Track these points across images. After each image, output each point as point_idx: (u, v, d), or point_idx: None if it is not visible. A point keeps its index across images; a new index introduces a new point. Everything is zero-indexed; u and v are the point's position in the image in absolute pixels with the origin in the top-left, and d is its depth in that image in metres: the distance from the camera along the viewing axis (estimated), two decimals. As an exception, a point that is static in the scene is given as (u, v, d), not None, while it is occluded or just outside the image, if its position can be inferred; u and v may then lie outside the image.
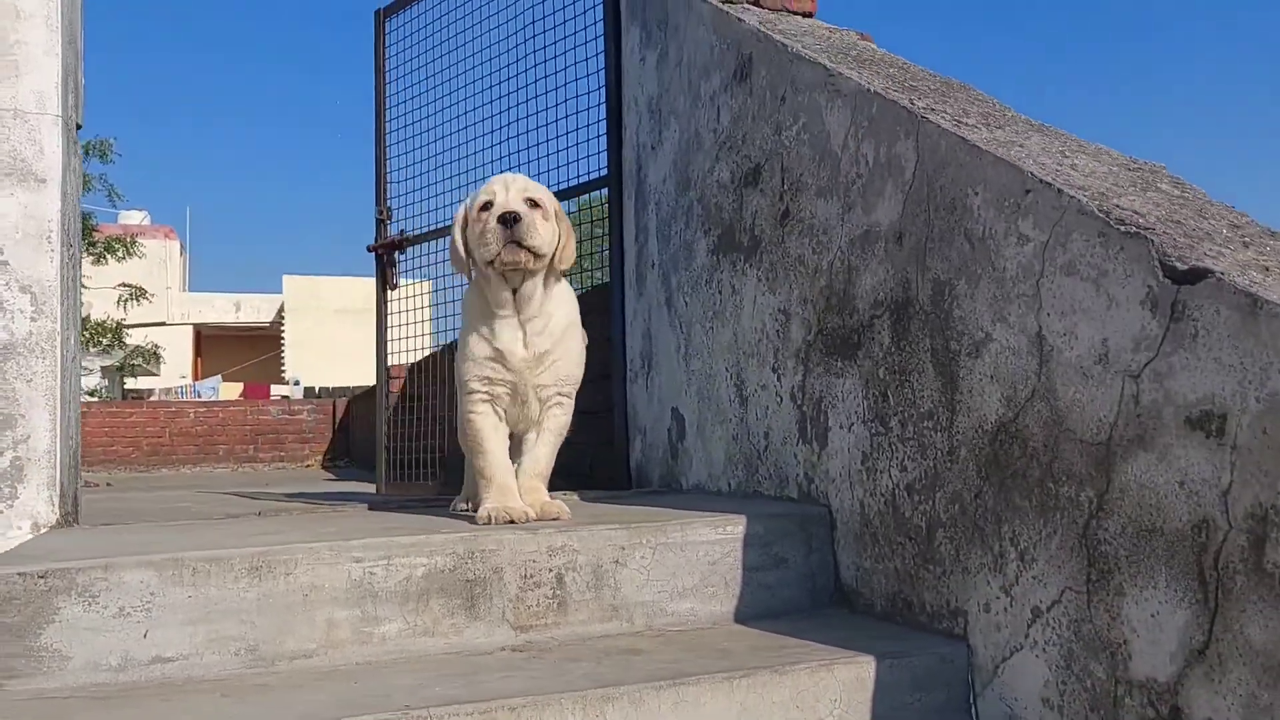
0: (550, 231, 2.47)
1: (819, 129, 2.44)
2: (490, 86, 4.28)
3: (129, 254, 24.03)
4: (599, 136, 3.81)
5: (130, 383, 31.50)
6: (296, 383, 27.61)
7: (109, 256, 24.01)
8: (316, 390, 25.75)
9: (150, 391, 30.40)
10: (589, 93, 3.87)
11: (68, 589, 1.93)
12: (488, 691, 1.79)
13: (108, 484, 11.67)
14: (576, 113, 3.95)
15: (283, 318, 31.56)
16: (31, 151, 2.76)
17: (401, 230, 4.70)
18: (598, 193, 3.85)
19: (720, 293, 2.92)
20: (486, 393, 2.55)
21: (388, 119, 4.86)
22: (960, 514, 1.97)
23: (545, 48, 4.06)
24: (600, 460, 3.84)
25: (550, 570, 2.21)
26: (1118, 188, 1.82)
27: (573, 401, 2.63)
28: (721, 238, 2.92)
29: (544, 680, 1.86)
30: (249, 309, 33.74)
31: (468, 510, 2.70)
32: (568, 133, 3.97)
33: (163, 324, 31.61)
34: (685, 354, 3.16)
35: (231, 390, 27.21)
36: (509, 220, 2.39)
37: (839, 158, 2.36)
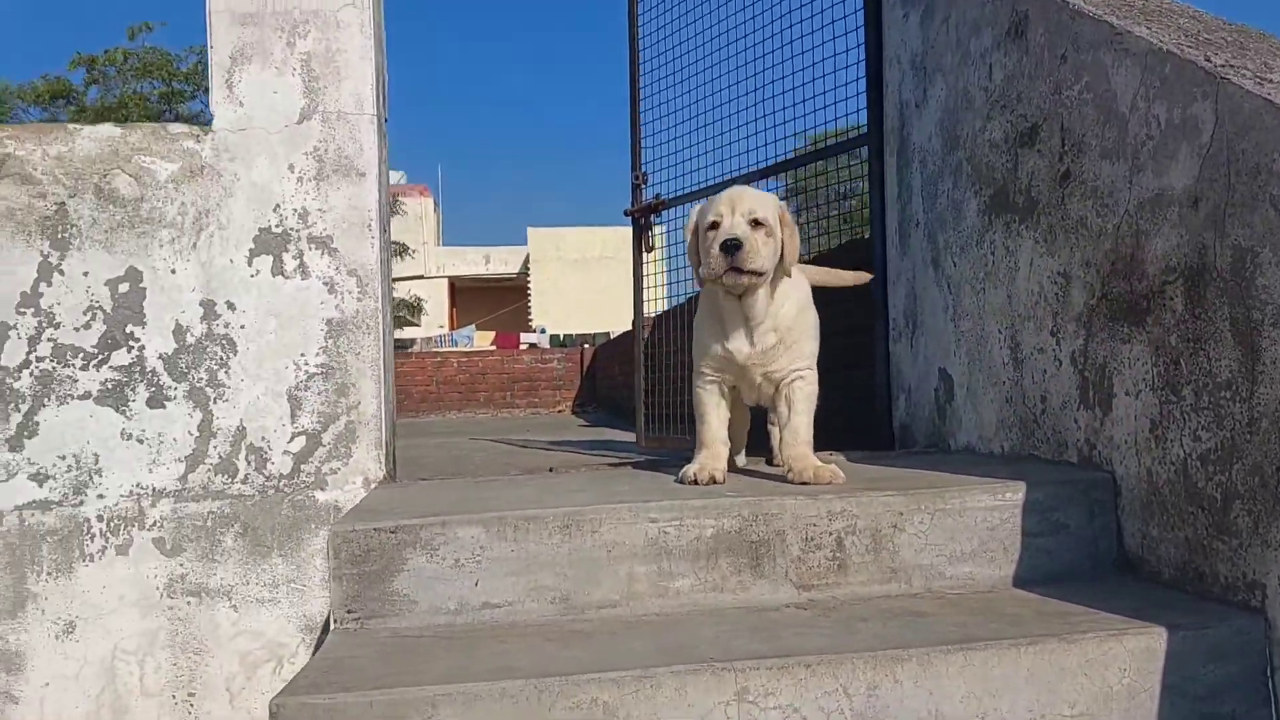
0: (772, 249, 2.56)
1: (1104, 89, 2.39)
2: (746, 48, 4.34)
3: (393, 212, 25.81)
4: (858, 95, 3.81)
5: (397, 333, 33.76)
6: (543, 331, 28.77)
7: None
8: (561, 338, 26.79)
9: (413, 341, 32.50)
10: (846, 51, 3.87)
11: (414, 542, 2.20)
12: (783, 647, 1.91)
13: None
14: (834, 71, 3.96)
15: (528, 268, 32.83)
16: (353, 149, 3.06)
17: (657, 195, 4.86)
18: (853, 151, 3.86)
19: (993, 254, 2.91)
20: (714, 377, 2.75)
21: (641, 83, 5.00)
22: (1260, 486, 1.93)
23: (801, 7, 4.09)
24: (859, 418, 3.89)
25: (830, 533, 2.31)
26: None
27: (813, 370, 2.73)
28: (994, 198, 2.90)
29: (835, 638, 1.97)
30: (497, 261, 35.30)
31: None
32: (824, 92, 4.00)
33: (421, 277, 33.63)
34: (953, 314, 3.16)
35: (484, 339, 28.70)
36: (730, 248, 2.50)
37: (1126, 119, 2.31)
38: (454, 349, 22.59)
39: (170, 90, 23.58)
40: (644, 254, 5.04)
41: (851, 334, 3.91)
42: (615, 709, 1.78)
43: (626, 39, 5.11)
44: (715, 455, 2.71)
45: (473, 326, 31.91)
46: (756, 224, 2.55)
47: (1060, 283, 2.58)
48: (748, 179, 4.30)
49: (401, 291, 29.29)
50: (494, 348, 22.91)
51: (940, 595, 2.29)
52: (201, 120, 3.13)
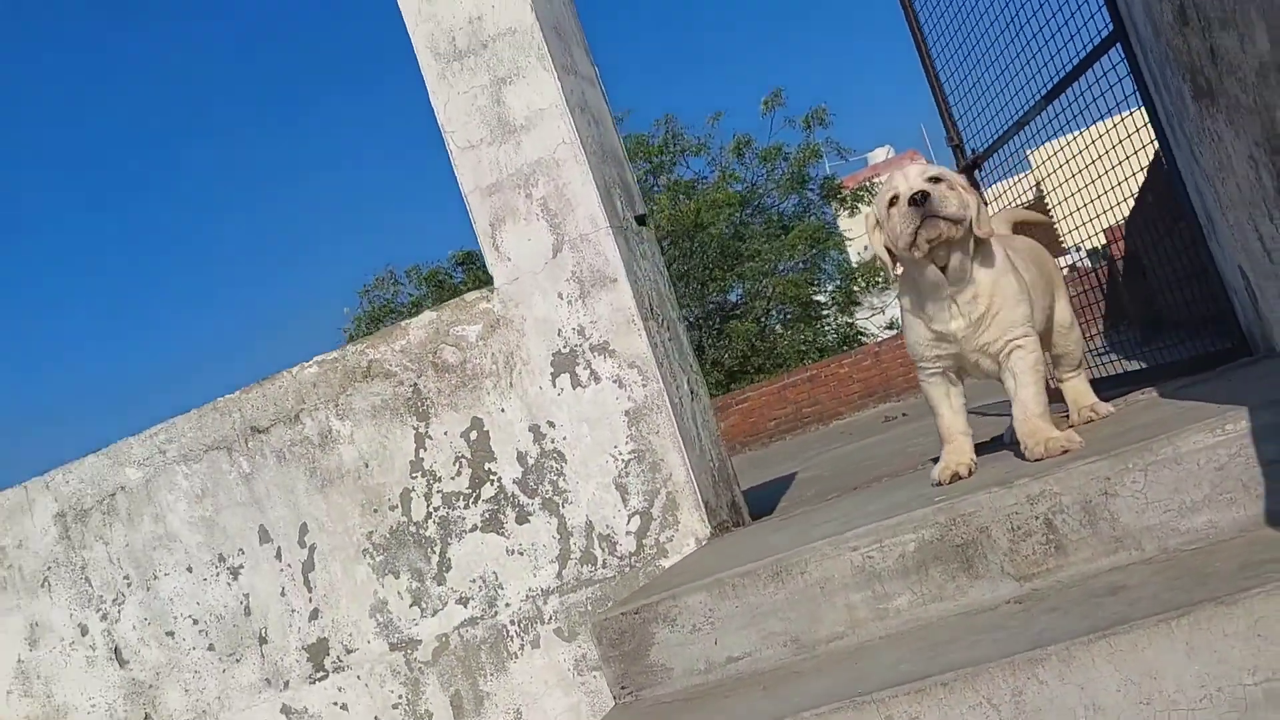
0: (959, 200, 2.49)
1: (1194, -41, 2.11)
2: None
3: (872, 195, 26.00)
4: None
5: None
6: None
7: (858, 205, 26.24)
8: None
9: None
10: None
11: (655, 618, 2.53)
12: (980, 655, 1.92)
13: (903, 414, 12.88)
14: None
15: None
16: (600, 262, 3.49)
17: (974, 150, 4.69)
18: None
19: (1215, 142, 2.59)
20: (934, 366, 2.72)
21: (926, 37, 4.87)
22: None
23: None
24: (1206, 325, 3.50)
25: (1036, 518, 2.24)
26: None
27: (1031, 335, 2.59)
28: (1194, 83, 2.58)
29: (1049, 630, 1.92)
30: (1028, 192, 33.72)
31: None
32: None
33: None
34: (1221, 208, 2.82)
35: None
36: (918, 200, 2.47)
37: (1216, -13, 2.03)
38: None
39: (652, 166, 25.92)
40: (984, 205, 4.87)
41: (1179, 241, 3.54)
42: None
43: (904, 21, 5.02)
44: (958, 449, 2.70)
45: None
46: (935, 180, 2.54)
47: (1253, 166, 2.27)
48: (1034, 113, 4.06)
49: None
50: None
51: (1172, 556, 2.13)
52: (485, 280, 3.73)
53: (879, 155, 38.78)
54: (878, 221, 2.63)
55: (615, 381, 3.46)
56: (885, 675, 2.01)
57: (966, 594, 2.28)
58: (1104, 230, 5.19)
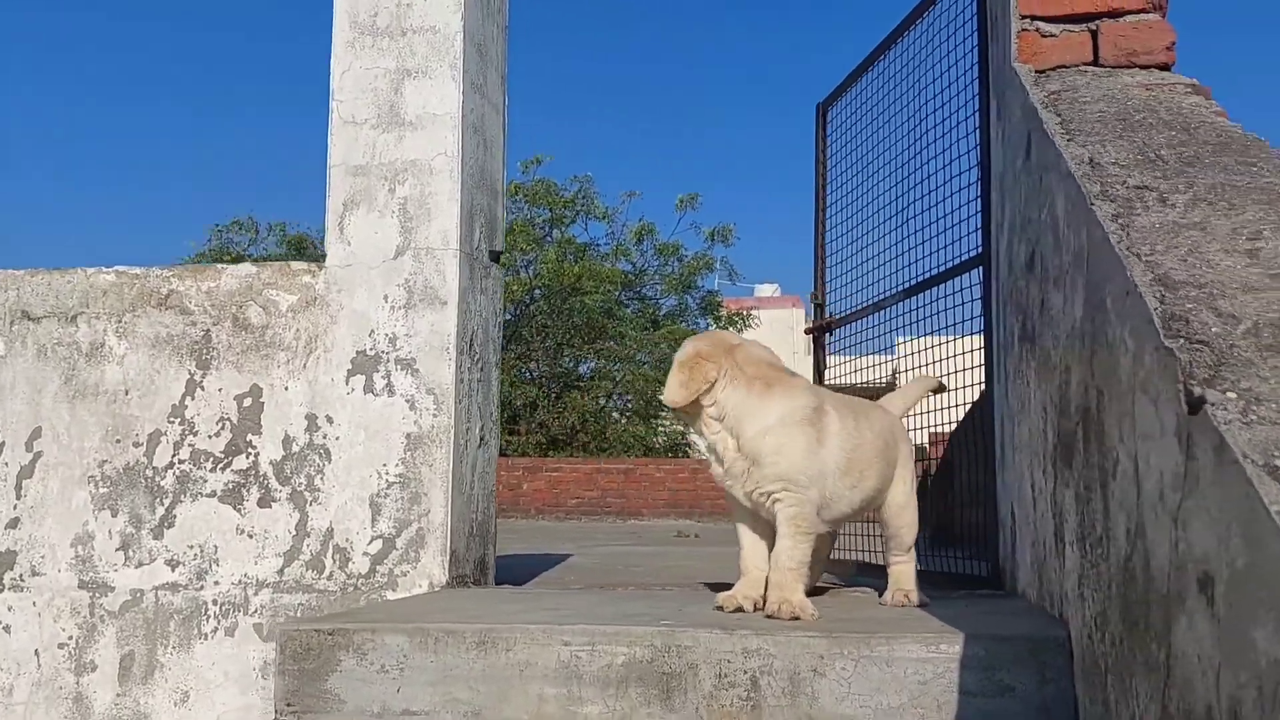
0: (677, 383, 2.70)
1: (1054, 213, 2.22)
2: (894, 169, 4.29)
3: (746, 325, 26.63)
4: (977, 214, 3.66)
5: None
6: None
7: (731, 329, 26.80)
8: (923, 450, 25.97)
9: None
10: (971, 169, 3.74)
11: (347, 645, 2.42)
12: None
13: (695, 535, 12.97)
14: (965, 187, 3.82)
15: (895, 378, 32.22)
16: (438, 280, 3.41)
17: (830, 313, 4.84)
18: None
19: (1022, 384, 2.71)
20: (738, 506, 2.78)
21: (827, 206, 5.04)
22: (1116, 660, 1.70)
23: (936, 126, 4.00)
24: (983, 549, 3.63)
25: (745, 672, 2.25)
26: (1265, 280, 1.49)
27: (794, 493, 2.62)
28: (1022, 325, 2.71)
29: None
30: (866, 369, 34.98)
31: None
32: (957, 209, 3.86)
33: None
34: (1012, 446, 2.94)
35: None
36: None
37: (1061, 245, 2.13)
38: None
39: (553, 215, 26.02)
40: (821, 372, 5.01)
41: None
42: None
43: (814, 161, 5.19)
44: (751, 583, 2.70)
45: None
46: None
47: (1043, 417, 2.38)
48: (894, 300, 4.23)
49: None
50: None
51: (852, 750, 2.15)
52: (316, 257, 3.62)
53: (765, 290, 39.74)
54: None
55: (408, 402, 3.37)
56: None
57: (652, 724, 2.26)
58: (931, 432, 5.38)
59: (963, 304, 3.83)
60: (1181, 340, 1.33)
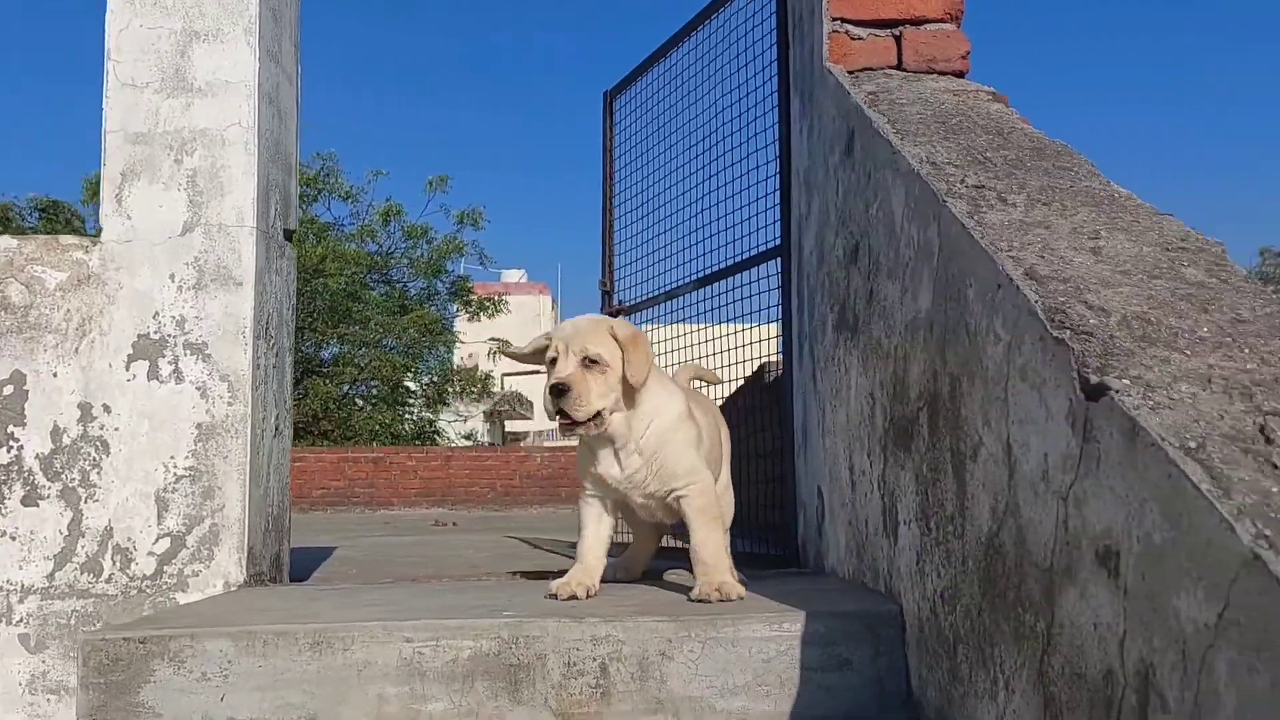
0: (609, 383, 2.55)
1: (888, 208, 2.33)
2: (688, 160, 4.38)
3: (498, 311, 26.48)
4: (775, 207, 3.79)
5: (510, 425, 34.34)
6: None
7: (481, 314, 26.56)
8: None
9: (525, 434, 32.94)
10: (770, 162, 3.87)
11: (162, 654, 2.22)
12: None
13: (453, 524, 12.81)
14: (763, 180, 3.95)
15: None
16: (232, 259, 3.18)
17: (620, 301, 4.89)
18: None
19: (839, 370, 2.83)
20: (596, 492, 2.75)
21: (614, 194, 5.08)
22: (971, 630, 1.81)
23: (732, 120, 4.11)
24: (779, 532, 3.78)
25: (594, 659, 2.24)
26: (1120, 276, 1.62)
27: (698, 482, 2.66)
28: (839, 315, 2.83)
29: None
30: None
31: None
32: (753, 201, 3.98)
33: (536, 372, 34.27)
34: (822, 430, 3.08)
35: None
36: (557, 391, 2.52)
37: (899, 239, 2.25)
38: (547, 444, 22.81)
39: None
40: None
41: (778, 453, 3.83)
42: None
43: (601, 149, 5.22)
44: (587, 570, 2.69)
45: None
46: (592, 362, 2.55)
47: (870, 404, 2.49)
48: (688, 289, 4.32)
49: (518, 385, 30.01)
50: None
51: (702, 730, 2.19)
52: (86, 231, 3.30)
53: (513, 275, 39.69)
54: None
55: (199, 389, 3.13)
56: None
57: (504, 717, 2.21)
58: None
59: (755, 294, 3.97)
60: (1068, 331, 1.43)
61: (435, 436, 25.65)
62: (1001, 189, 2.02)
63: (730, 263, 4.06)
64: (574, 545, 6.32)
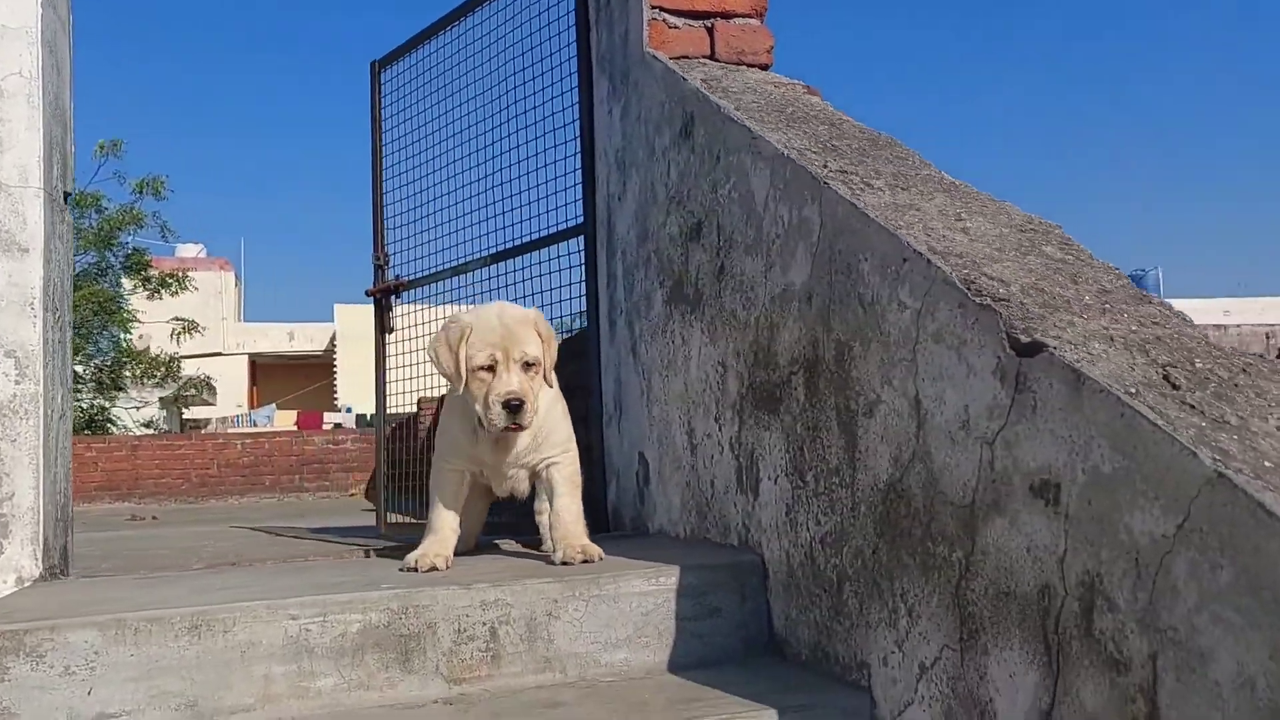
0: (538, 383, 2.64)
1: (746, 189, 2.52)
2: (477, 135, 4.40)
3: (182, 288, 24.75)
4: (576, 185, 3.90)
5: (188, 412, 32.24)
6: (349, 410, 28.07)
7: (163, 291, 24.74)
8: (368, 418, 26.17)
9: (208, 421, 31.05)
10: (567, 142, 3.96)
11: (16, 649, 2.06)
12: None
13: (154, 517, 11.98)
14: (562, 159, 4.04)
15: (335, 346, 32.08)
16: (15, 223, 2.91)
17: (397, 275, 4.84)
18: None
19: (672, 342, 3.00)
20: (458, 466, 2.80)
21: (384, 167, 5.00)
22: (863, 569, 2.03)
23: (526, 99, 4.18)
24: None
25: (484, 624, 2.29)
26: (998, 253, 1.88)
27: (569, 453, 2.80)
28: (673, 289, 3.00)
29: None
30: (302, 338, 34.41)
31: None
32: (550, 180, 4.07)
33: (219, 354, 32.41)
34: (648, 400, 3.24)
35: (286, 418, 27.71)
36: (512, 407, 2.55)
37: (762, 218, 2.44)
38: (242, 431, 21.73)
39: None
40: (385, 334, 4.99)
41: (580, 424, 3.95)
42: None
43: (369, 120, 5.12)
44: (442, 541, 2.72)
45: (273, 406, 30.80)
46: (528, 365, 2.60)
47: (720, 371, 2.68)
48: (480, 264, 4.35)
49: (195, 369, 28.11)
50: (293, 428, 22.22)
51: (592, 684, 2.29)
52: None
53: (190, 250, 37.17)
54: (451, 346, 2.61)
55: (-17, 368, 2.85)
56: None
57: (395, 687, 2.22)
58: (420, 396, 5.53)
59: (554, 271, 4.07)
60: (988, 298, 1.66)
61: (110, 425, 23.70)
62: (864, 174, 2.25)
63: (526, 240, 4.12)
64: (320, 531, 6.19)
